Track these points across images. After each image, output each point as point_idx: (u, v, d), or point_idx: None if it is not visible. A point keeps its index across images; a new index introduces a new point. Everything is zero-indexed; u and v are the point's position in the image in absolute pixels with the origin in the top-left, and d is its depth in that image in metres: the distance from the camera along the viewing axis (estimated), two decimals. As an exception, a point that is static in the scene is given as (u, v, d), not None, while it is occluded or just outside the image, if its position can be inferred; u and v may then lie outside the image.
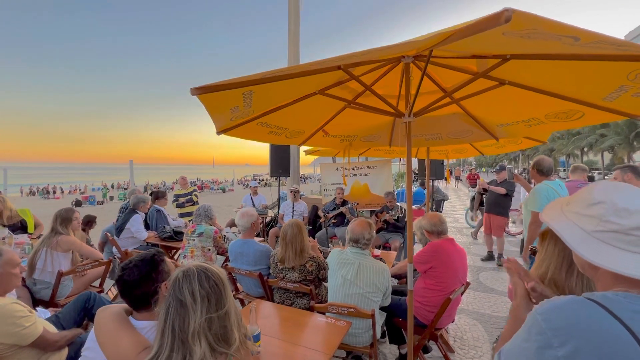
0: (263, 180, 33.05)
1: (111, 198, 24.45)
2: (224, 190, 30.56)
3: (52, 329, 1.91)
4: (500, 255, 5.42)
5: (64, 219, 2.89)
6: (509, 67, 1.63)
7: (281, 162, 6.35)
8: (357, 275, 2.17)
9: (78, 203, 24.41)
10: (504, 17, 0.69)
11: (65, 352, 1.92)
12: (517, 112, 2.12)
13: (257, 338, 1.66)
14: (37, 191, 31.23)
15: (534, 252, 1.30)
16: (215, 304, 1.03)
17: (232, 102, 1.45)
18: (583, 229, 0.79)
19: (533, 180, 3.54)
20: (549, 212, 0.91)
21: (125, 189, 36.10)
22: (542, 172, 3.30)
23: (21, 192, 31.50)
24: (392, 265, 3.05)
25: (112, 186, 36.28)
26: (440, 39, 0.90)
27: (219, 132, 2.02)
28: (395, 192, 5.62)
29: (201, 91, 1.14)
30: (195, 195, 6.49)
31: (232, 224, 6.08)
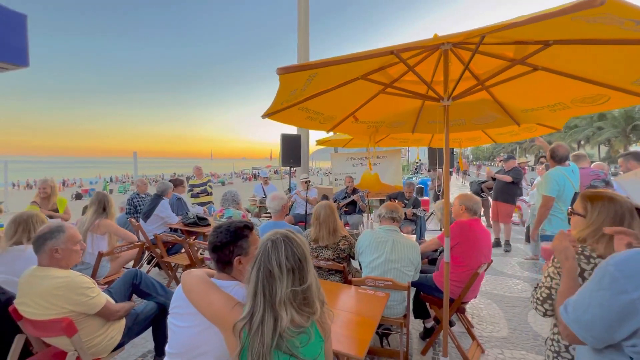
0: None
1: (110, 191, 24.44)
2: (223, 184, 30.70)
3: (111, 300, 2.04)
4: (507, 242, 5.61)
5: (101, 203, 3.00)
6: (544, 53, 1.74)
7: (292, 152, 6.46)
8: (392, 251, 2.33)
9: (78, 196, 24.35)
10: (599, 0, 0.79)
11: (123, 321, 2.06)
12: (545, 97, 2.24)
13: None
14: (35, 184, 31.08)
15: (571, 213, 1.45)
16: (299, 278, 1.13)
17: (296, 84, 1.56)
18: None
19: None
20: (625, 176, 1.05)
21: (124, 182, 35.93)
22: (555, 159, 3.49)
23: (13, 186, 31.15)
24: None
25: (111, 179, 36.14)
26: (515, 22, 1.01)
27: (264, 116, 2.13)
28: (417, 182, 5.73)
29: (284, 71, 1.26)
30: (210, 186, 6.59)
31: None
